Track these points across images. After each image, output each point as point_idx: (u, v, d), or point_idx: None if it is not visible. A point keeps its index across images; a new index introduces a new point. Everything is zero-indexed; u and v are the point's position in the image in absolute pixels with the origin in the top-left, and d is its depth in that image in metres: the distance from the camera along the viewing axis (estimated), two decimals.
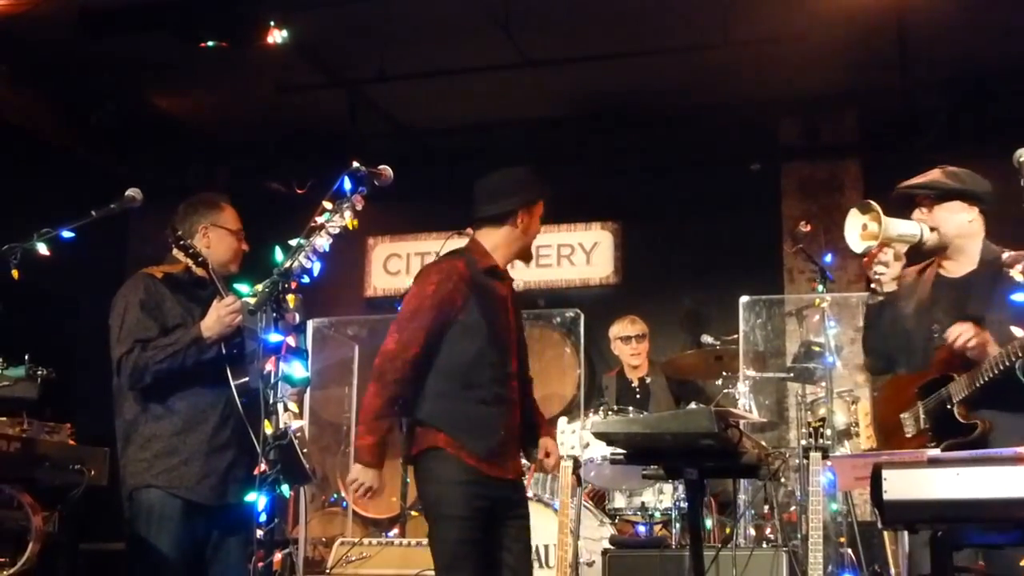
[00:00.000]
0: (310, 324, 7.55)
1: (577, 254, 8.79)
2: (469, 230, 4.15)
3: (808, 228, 6.38)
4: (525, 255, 4.16)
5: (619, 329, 7.21)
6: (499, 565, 3.89)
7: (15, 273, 3.70)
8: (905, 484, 2.74)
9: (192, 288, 4.12)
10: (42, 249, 3.79)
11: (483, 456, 3.85)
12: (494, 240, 4.05)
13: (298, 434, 3.96)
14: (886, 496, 2.74)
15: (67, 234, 3.83)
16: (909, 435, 3.82)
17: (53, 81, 7.93)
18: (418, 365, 3.85)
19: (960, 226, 3.89)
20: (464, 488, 3.81)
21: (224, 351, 3.94)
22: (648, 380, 7.16)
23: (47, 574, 4.85)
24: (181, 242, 4.00)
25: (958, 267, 3.94)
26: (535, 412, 4.27)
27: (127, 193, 3.96)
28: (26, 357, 5.61)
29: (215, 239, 4.14)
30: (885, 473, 2.75)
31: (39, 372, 5.55)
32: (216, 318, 3.90)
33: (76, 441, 5.71)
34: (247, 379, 3.88)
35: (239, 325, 3.91)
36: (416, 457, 3.89)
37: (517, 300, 4.18)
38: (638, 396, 7.09)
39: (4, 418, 4.96)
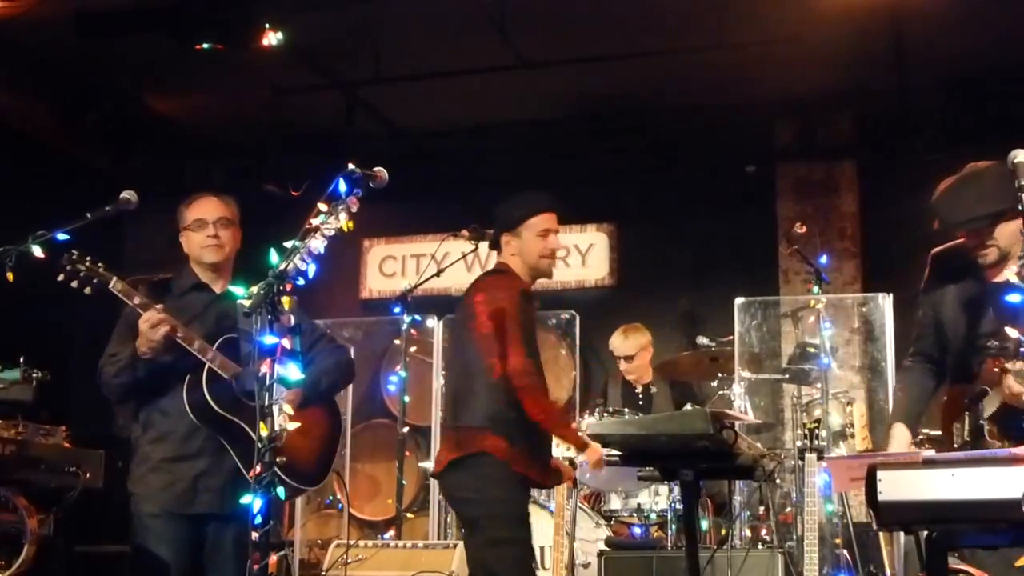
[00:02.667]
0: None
1: (572, 256, 8.78)
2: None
3: (803, 229, 6.38)
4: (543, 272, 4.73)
5: (612, 343, 7.03)
6: None
7: (10, 276, 3.69)
8: (900, 485, 2.73)
9: (188, 292, 4.10)
10: (37, 251, 3.76)
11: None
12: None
13: None
14: (881, 497, 2.74)
15: (62, 236, 3.81)
16: (956, 446, 3.74)
17: (50, 83, 7.92)
18: None
19: (1015, 236, 3.74)
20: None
21: (175, 363, 3.87)
22: (653, 389, 7.10)
23: None
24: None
25: (1001, 272, 3.84)
26: None
27: (122, 195, 3.93)
28: (21, 360, 5.61)
29: (187, 242, 4.13)
30: (880, 474, 2.75)
31: (34, 375, 5.55)
32: (140, 333, 3.84)
33: (71, 444, 5.72)
34: (202, 391, 3.84)
35: (168, 337, 3.80)
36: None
37: None
38: (640, 403, 7.04)
39: None
